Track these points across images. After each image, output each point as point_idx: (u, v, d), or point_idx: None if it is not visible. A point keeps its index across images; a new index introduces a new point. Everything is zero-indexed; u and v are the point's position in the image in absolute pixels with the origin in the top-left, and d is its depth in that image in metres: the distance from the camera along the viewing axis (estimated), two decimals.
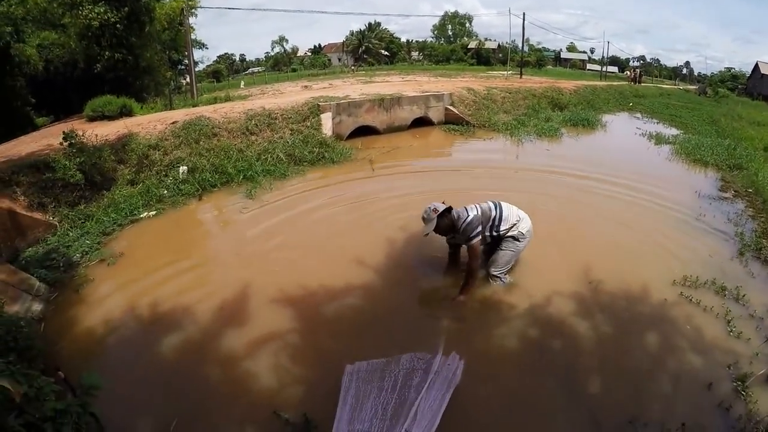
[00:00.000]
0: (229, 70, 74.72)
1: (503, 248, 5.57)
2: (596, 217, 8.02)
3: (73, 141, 8.76)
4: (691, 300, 5.27)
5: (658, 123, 19.94)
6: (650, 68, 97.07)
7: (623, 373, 4.24)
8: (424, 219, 5.33)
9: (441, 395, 3.64)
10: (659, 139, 15.18)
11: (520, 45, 51.90)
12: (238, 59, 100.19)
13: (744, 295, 5.33)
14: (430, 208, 5.29)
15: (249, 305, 5.46)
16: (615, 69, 79.06)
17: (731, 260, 6.29)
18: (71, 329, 5.07)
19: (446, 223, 5.32)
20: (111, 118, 13.50)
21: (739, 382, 3.99)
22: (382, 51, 77.23)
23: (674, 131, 17.42)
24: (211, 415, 3.88)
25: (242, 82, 41.54)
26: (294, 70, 68.32)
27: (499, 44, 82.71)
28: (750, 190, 9.36)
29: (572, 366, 4.35)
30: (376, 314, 5.27)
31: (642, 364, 4.36)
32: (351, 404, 3.64)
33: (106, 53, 17.47)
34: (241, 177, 9.94)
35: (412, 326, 5.04)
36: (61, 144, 8.86)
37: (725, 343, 4.56)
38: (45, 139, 11.08)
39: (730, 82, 68.43)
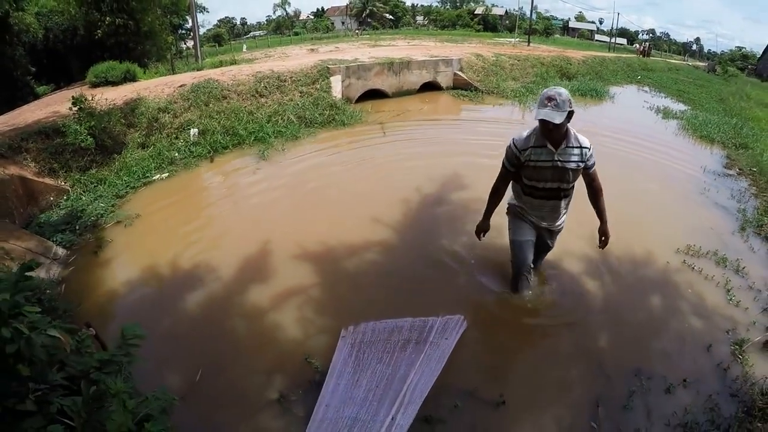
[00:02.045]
0: (230, 34, 73.28)
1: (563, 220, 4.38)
2: (604, 184, 7.92)
3: (82, 106, 8.64)
4: (693, 268, 5.41)
5: (665, 97, 19.68)
6: (660, 42, 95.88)
7: (629, 330, 4.43)
8: (548, 103, 3.50)
9: (435, 366, 3.64)
10: (667, 114, 15.04)
11: (528, 12, 51.14)
12: (239, 23, 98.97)
13: (744, 268, 5.45)
14: (557, 92, 3.53)
15: (269, 261, 5.47)
16: (624, 41, 77.52)
17: (732, 234, 6.38)
18: (92, 290, 5.02)
19: (566, 125, 3.70)
20: (115, 83, 13.29)
21: (737, 347, 4.16)
22: (387, 15, 76.01)
23: (682, 107, 17.18)
24: (235, 366, 3.93)
25: (244, 46, 40.75)
26: (296, 34, 66.93)
27: (506, 11, 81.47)
28: (754, 169, 9.26)
29: (582, 321, 4.54)
30: (394, 268, 5.34)
31: (646, 322, 4.54)
32: (346, 379, 3.55)
33: (107, 19, 17.10)
34: (253, 138, 9.86)
35: (426, 282, 5.09)
36: (70, 110, 8.72)
37: (724, 310, 4.71)
38: (49, 107, 10.91)
39: (740, 61, 66.77)
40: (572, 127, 3.77)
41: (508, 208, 4.48)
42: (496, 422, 3.38)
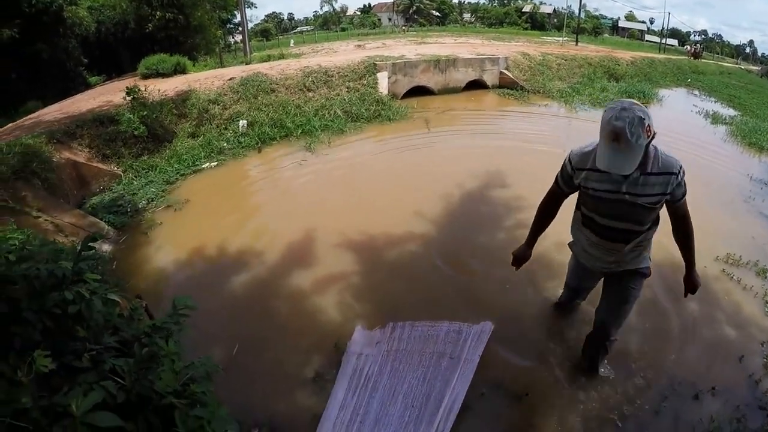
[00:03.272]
0: (277, 29, 74.21)
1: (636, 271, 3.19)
2: None
3: (135, 96, 8.96)
4: (732, 277, 5.15)
5: (715, 102, 18.74)
6: (712, 44, 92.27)
7: (661, 333, 4.26)
8: (615, 141, 2.43)
9: (467, 384, 3.43)
10: (716, 119, 14.34)
11: (576, 11, 50.25)
12: (286, 18, 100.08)
13: None
14: (626, 118, 2.41)
15: (312, 248, 5.55)
16: (674, 42, 75.00)
17: None
18: (142, 267, 5.21)
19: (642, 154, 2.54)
20: (165, 75, 13.70)
21: None
22: (434, 12, 75.72)
23: (732, 112, 16.40)
24: (275, 345, 4.03)
25: (292, 41, 41.12)
26: (343, 30, 67.23)
27: (554, 9, 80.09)
28: None
29: None
30: (433, 262, 5.27)
31: (680, 327, 4.36)
32: (381, 392, 3.41)
33: (157, 13, 17.66)
34: (300, 131, 9.97)
35: (462, 277, 5.05)
36: (123, 99, 9.05)
37: (761, 322, 4.50)
38: (102, 96, 11.37)
39: None
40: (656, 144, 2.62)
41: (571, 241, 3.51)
42: (522, 414, 3.36)
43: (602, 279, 3.46)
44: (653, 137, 2.48)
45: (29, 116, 10.89)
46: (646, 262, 3.15)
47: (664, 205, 2.79)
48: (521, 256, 3.39)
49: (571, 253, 3.62)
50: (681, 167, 2.62)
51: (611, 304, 3.30)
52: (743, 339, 4.23)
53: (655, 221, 2.92)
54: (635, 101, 2.53)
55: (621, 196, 2.68)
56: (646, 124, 2.40)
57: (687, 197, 2.77)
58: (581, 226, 3.15)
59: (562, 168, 2.97)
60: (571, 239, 3.44)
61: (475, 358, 3.56)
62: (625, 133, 2.36)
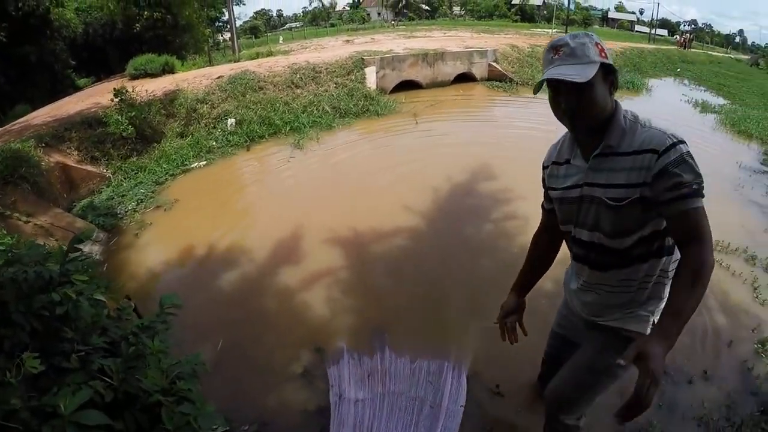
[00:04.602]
0: (266, 26, 73.70)
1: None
2: None
3: (123, 97, 8.96)
4: (721, 264, 5.14)
5: (705, 91, 18.91)
6: (701, 34, 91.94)
7: None
8: (555, 55, 1.75)
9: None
10: (705, 107, 14.46)
11: (565, 2, 50.26)
12: (275, 15, 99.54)
13: None
14: (570, 36, 1.78)
15: (301, 245, 5.57)
16: (664, 32, 74.73)
17: (765, 232, 6.06)
18: (132, 269, 5.23)
19: (604, 100, 1.76)
20: (154, 75, 13.66)
21: (760, 345, 3.98)
22: (423, 5, 75.34)
23: (721, 100, 16.55)
24: (264, 341, 4.06)
25: (281, 38, 40.75)
26: (332, 25, 66.72)
27: (544, 1, 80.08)
28: None
29: None
30: (422, 257, 5.29)
31: None
32: None
33: (145, 13, 17.55)
34: (288, 128, 10.02)
35: (449, 274, 5.00)
36: (111, 101, 9.03)
37: (750, 308, 4.51)
38: (91, 98, 11.33)
39: None
40: (625, 111, 1.83)
41: None
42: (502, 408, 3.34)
43: None
44: (613, 74, 1.77)
45: (18, 120, 10.86)
46: (640, 325, 2.02)
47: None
48: (508, 308, 2.39)
49: None
50: (675, 145, 1.66)
51: (568, 368, 2.36)
52: (734, 325, 4.24)
53: (650, 242, 1.86)
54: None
55: (582, 189, 1.90)
56: (595, 46, 1.72)
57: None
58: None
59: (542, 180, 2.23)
60: None
61: (459, 410, 3.27)
62: (565, 40, 1.75)
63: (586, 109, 1.74)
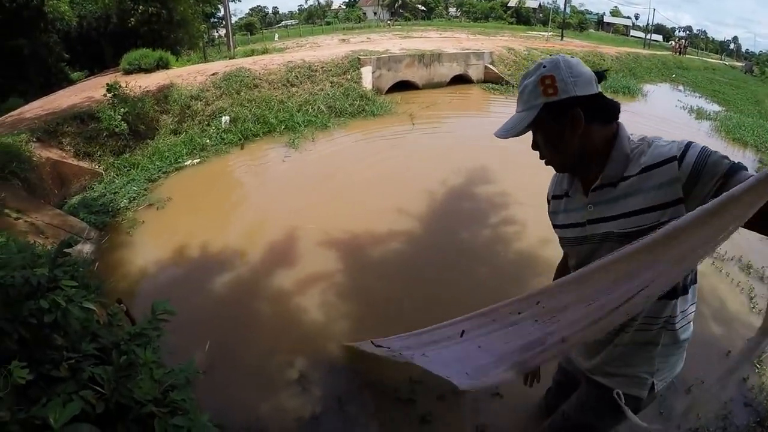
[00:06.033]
0: (262, 23, 73.67)
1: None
2: None
3: (116, 92, 8.86)
4: (719, 271, 5.21)
5: (700, 97, 19.08)
6: (696, 40, 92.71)
7: None
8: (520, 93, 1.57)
9: None
10: (700, 114, 14.56)
11: (561, 6, 50.40)
12: (270, 12, 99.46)
13: None
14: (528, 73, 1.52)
15: (295, 246, 5.53)
16: (659, 38, 75.32)
17: (760, 241, 6.01)
18: (124, 268, 5.15)
19: (568, 140, 1.51)
20: (147, 70, 13.53)
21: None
22: (419, 6, 75.43)
23: (716, 107, 16.66)
24: (258, 346, 4.00)
25: (276, 35, 40.52)
26: (328, 24, 66.65)
27: (540, 4, 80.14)
28: None
29: None
30: (417, 259, 5.27)
31: None
32: None
33: (140, 7, 17.38)
34: (283, 127, 9.97)
35: (444, 275, 5.00)
36: (104, 96, 8.93)
37: (746, 317, 4.52)
38: (84, 92, 11.18)
39: None
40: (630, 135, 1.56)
41: None
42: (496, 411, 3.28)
43: None
44: (572, 104, 1.44)
45: (10, 113, 10.72)
46: (636, 385, 1.86)
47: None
48: None
49: None
50: (690, 144, 1.41)
51: (560, 414, 2.20)
52: (729, 334, 4.24)
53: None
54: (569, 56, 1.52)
55: (584, 227, 1.64)
56: (543, 77, 1.45)
57: None
58: None
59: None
60: None
61: None
62: (523, 82, 1.54)
63: (551, 155, 1.59)
